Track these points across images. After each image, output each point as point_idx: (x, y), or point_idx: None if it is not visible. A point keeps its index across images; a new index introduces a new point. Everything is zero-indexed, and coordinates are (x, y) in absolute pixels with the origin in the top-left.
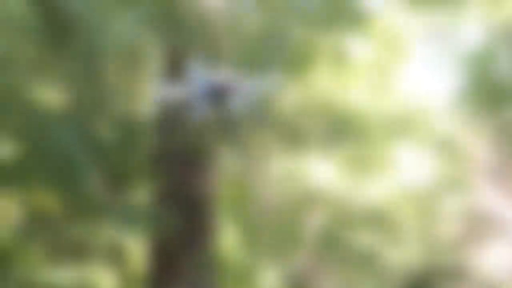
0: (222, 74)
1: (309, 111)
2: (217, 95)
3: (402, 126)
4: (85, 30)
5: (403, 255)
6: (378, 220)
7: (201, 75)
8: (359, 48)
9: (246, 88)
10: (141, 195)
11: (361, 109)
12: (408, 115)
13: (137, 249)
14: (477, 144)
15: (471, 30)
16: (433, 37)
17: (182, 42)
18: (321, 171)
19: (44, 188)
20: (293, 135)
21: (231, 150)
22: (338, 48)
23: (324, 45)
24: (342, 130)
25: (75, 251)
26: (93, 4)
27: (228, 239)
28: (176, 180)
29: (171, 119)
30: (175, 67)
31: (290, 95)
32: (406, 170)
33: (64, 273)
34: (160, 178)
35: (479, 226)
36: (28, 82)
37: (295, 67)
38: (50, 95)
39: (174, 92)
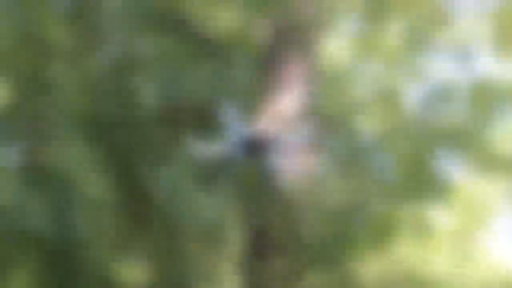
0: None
1: (392, 282)
2: (254, 148)
3: None
4: (168, 208)
5: None
6: None
7: (237, 127)
8: (441, 217)
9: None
10: None
11: (445, 279)
12: (493, 285)
13: None
14: None
15: None
16: None
17: (265, 218)
18: None
19: None
20: None
21: None
22: (419, 218)
23: (405, 215)
24: None
25: None
26: (175, 183)
27: None
28: None
29: None
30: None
31: (373, 266)
32: None
33: None
34: None
35: None
36: (111, 259)
37: (377, 238)
38: (133, 272)
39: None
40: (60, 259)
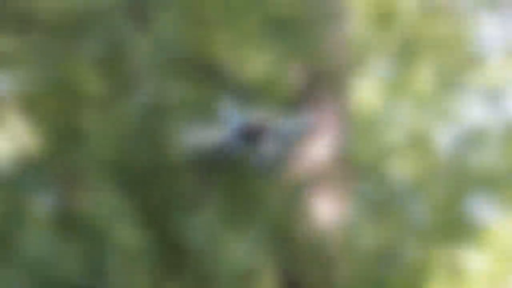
0: (255, 114)
1: None
2: (250, 136)
3: None
4: (199, 255)
5: None
6: None
7: (233, 115)
8: (475, 260)
9: (279, 128)
10: None
11: None
12: None
13: None
14: None
15: None
16: None
17: (295, 266)
18: None
19: None
20: None
21: None
22: (453, 262)
23: (439, 259)
24: None
25: None
26: (206, 229)
27: None
28: None
29: None
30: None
31: None
32: None
33: None
34: None
35: None
36: None
37: (410, 283)
38: None
39: (206, 134)
40: None
